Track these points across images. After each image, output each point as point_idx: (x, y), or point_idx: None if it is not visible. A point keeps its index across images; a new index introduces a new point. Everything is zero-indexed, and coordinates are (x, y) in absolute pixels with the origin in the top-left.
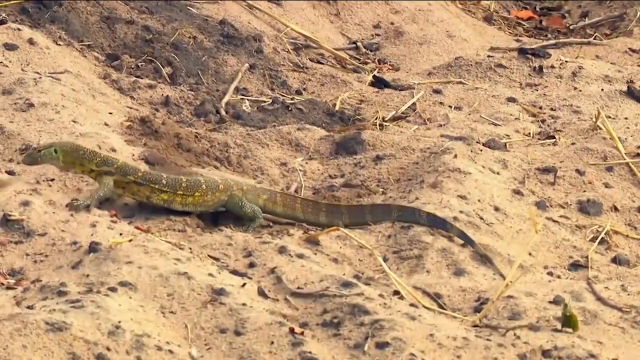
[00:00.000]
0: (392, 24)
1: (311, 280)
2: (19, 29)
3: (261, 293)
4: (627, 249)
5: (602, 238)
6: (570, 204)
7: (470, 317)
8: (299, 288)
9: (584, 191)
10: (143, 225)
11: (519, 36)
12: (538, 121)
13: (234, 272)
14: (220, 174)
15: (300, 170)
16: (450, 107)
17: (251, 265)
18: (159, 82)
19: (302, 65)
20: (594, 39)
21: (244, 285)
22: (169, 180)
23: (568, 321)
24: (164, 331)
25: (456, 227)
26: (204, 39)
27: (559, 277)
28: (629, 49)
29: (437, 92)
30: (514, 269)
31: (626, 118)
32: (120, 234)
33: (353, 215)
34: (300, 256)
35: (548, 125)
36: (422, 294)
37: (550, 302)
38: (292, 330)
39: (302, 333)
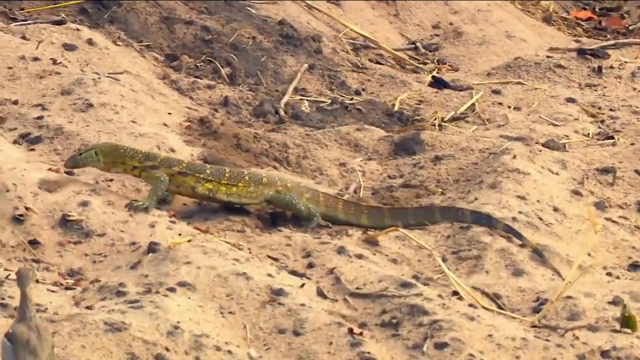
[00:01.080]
0: (451, 24)
1: (370, 281)
2: (78, 30)
3: (320, 293)
4: None
5: None
6: (630, 205)
7: (529, 317)
8: (357, 288)
9: None
10: (202, 226)
11: (578, 37)
12: (597, 122)
13: (293, 273)
14: (279, 174)
15: (359, 170)
16: (510, 107)
17: (310, 265)
18: (218, 83)
19: (361, 66)
20: None
21: (302, 285)
22: (213, 170)
23: (627, 322)
24: (222, 331)
25: (502, 222)
26: (263, 40)
27: (618, 277)
28: None
29: (496, 92)
30: (573, 269)
31: None
32: (179, 235)
33: (395, 217)
34: (359, 256)
35: (607, 126)
36: (481, 294)
37: (609, 302)
38: (350, 331)
39: (360, 333)
